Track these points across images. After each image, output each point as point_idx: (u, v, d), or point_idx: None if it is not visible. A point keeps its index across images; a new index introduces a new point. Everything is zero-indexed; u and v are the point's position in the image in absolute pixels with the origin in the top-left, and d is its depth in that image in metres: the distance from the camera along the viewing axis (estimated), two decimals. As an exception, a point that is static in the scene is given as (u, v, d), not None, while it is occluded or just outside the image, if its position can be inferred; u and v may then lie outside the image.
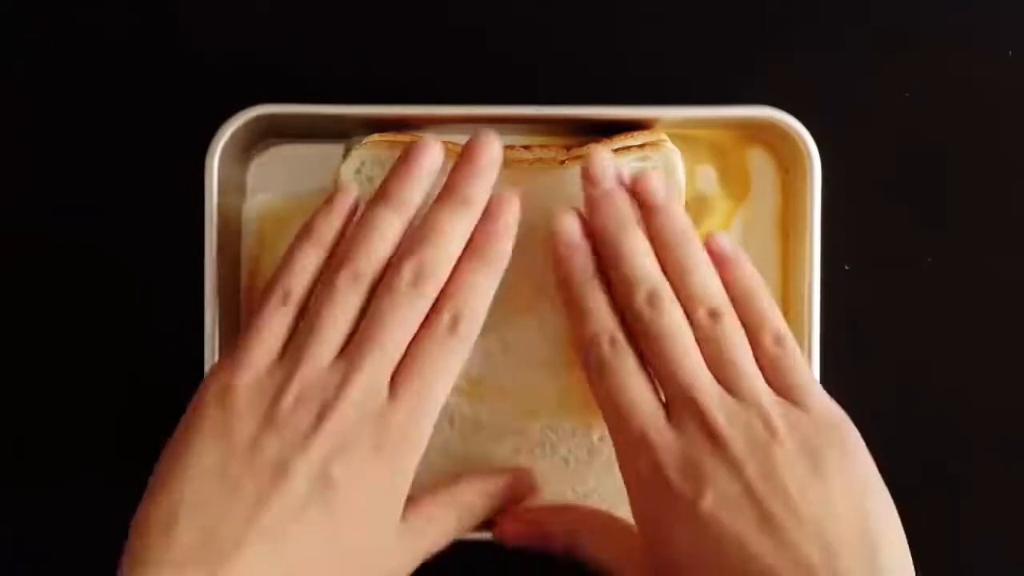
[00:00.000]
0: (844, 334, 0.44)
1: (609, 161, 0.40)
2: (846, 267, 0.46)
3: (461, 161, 0.39)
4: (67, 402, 0.46)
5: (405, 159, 0.40)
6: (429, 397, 0.37)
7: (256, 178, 0.45)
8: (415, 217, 0.39)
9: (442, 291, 0.38)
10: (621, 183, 0.40)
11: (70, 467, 0.46)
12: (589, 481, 0.43)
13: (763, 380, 0.38)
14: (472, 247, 0.39)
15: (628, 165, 0.41)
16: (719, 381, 0.37)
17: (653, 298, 0.38)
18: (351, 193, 0.40)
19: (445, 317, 0.38)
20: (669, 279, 0.39)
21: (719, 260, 0.40)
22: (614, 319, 0.39)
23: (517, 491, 0.42)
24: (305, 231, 0.39)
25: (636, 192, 0.40)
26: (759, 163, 0.45)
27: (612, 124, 0.43)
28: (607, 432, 0.39)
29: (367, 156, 0.42)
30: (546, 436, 0.42)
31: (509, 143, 0.42)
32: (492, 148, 0.39)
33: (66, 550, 0.46)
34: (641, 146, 0.42)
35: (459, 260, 0.39)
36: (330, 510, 0.36)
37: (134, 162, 0.46)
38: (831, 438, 0.36)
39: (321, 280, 0.39)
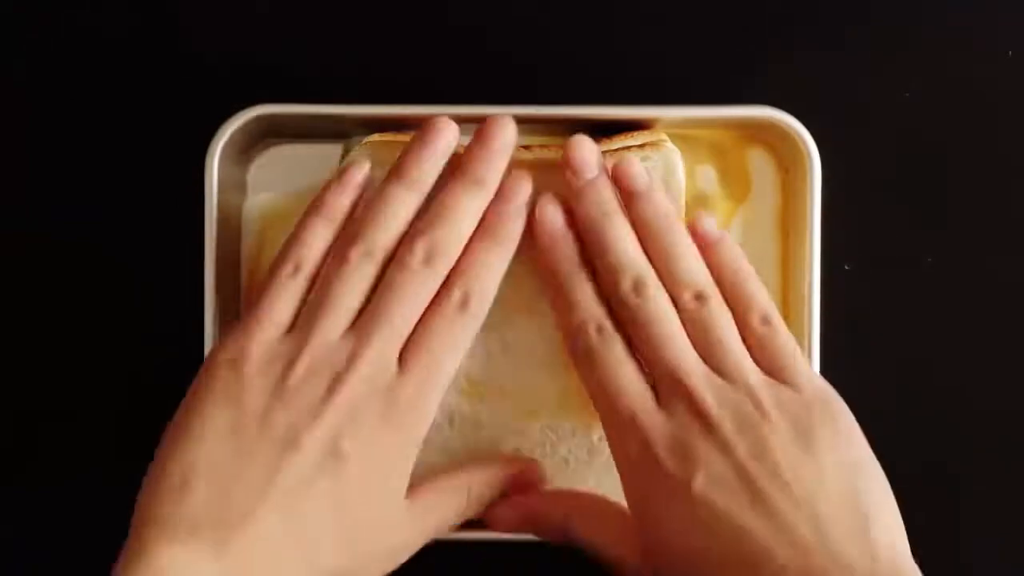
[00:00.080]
0: (844, 334, 0.44)
1: (590, 149, 0.40)
2: (846, 267, 0.46)
3: (475, 142, 0.40)
4: (67, 402, 0.46)
5: (421, 138, 0.40)
6: (438, 371, 0.38)
7: (256, 178, 0.45)
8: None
9: (453, 269, 0.39)
10: (603, 170, 0.40)
11: (70, 467, 0.46)
12: (589, 481, 0.43)
13: (751, 360, 0.38)
14: (484, 226, 0.39)
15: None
16: (707, 363, 0.38)
17: (639, 285, 0.38)
18: (362, 168, 0.40)
19: (456, 294, 0.38)
20: (654, 264, 0.39)
21: (704, 243, 0.40)
22: (600, 307, 0.39)
23: (525, 481, 0.42)
24: (316, 205, 0.40)
25: (617, 178, 0.40)
26: (759, 163, 0.45)
27: (612, 124, 0.43)
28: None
29: (367, 156, 0.42)
30: (546, 436, 0.42)
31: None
32: (507, 131, 0.40)
33: (66, 550, 0.46)
34: (641, 146, 0.42)
35: (471, 239, 0.39)
36: (339, 483, 0.36)
37: (134, 162, 0.46)
38: (822, 416, 0.37)
39: (333, 254, 0.39)
